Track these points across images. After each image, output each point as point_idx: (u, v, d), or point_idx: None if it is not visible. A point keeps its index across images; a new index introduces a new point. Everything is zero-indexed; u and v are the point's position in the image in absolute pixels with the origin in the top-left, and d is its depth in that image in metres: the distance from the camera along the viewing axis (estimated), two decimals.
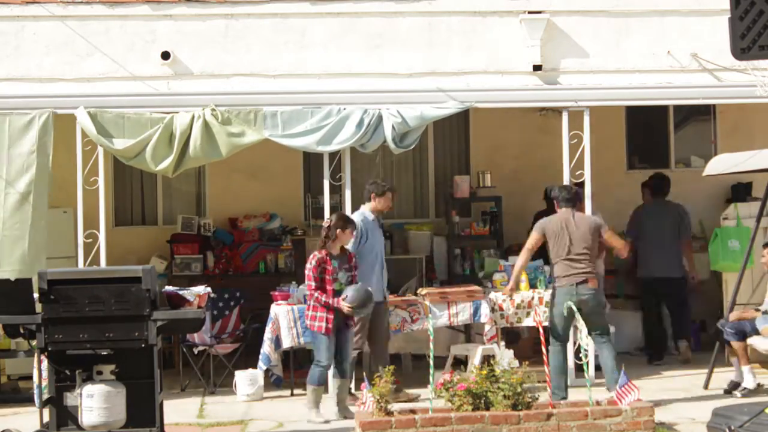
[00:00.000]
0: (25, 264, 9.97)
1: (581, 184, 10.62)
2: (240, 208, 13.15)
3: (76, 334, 7.42)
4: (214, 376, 10.78)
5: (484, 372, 8.03)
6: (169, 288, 8.20)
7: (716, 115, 13.60)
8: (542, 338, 9.47)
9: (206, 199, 13.37)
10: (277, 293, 10.74)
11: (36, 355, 8.66)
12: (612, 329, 11.56)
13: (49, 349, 7.47)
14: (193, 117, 10.24)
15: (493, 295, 10.71)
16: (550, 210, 12.29)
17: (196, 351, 10.97)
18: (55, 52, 10.79)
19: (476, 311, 10.52)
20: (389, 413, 7.89)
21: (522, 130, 13.28)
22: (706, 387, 10.23)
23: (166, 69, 10.85)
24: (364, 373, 8.99)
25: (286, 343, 10.43)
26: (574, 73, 11.06)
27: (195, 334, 10.74)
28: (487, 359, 10.30)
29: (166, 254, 12.85)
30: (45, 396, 7.70)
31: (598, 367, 10.55)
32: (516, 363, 9.71)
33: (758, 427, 6.66)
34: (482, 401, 7.88)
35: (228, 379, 10.69)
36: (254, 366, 10.51)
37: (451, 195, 13.08)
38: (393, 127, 10.36)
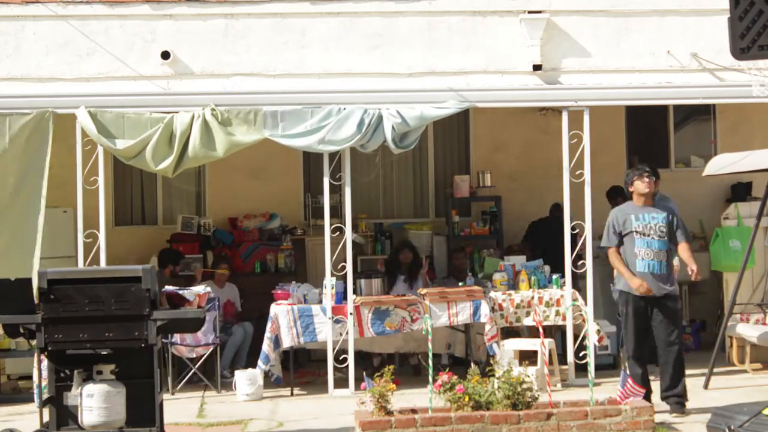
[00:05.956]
0: (21, 263, 9.95)
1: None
2: (240, 207, 13.16)
3: (76, 333, 7.41)
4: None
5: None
6: (169, 288, 8.22)
7: (716, 115, 13.61)
8: (542, 337, 9.49)
9: (206, 199, 13.37)
10: (277, 292, 10.75)
11: (36, 355, 8.68)
12: (613, 329, 11.62)
13: (49, 348, 7.47)
14: (192, 117, 10.24)
15: (492, 294, 10.72)
16: (550, 220, 12.21)
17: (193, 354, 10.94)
18: (55, 52, 10.79)
19: (476, 311, 10.52)
20: (389, 413, 7.90)
21: (522, 130, 13.29)
22: (706, 387, 10.23)
23: (166, 69, 10.85)
24: (365, 373, 9.00)
25: (286, 342, 10.44)
26: (574, 73, 11.06)
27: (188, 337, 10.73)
28: (488, 359, 10.33)
29: None
30: (45, 396, 7.70)
31: (598, 367, 10.58)
32: (516, 363, 9.72)
33: (758, 427, 6.65)
34: (482, 401, 7.89)
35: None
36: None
37: (451, 195, 13.10)
38: (393, 127, 10.35)
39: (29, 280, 7.88)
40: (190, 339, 10.86)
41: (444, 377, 8.05)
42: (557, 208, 12.22)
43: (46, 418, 7.62)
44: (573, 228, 10.53)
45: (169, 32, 10.90)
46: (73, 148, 10.24)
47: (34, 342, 7.71)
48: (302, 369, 11.59)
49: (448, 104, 10.56)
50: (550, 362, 10.24)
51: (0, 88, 10.62)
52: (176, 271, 12.08)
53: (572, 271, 10.54)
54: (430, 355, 8.42)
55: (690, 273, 8.87)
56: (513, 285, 10.93)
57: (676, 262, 9.28)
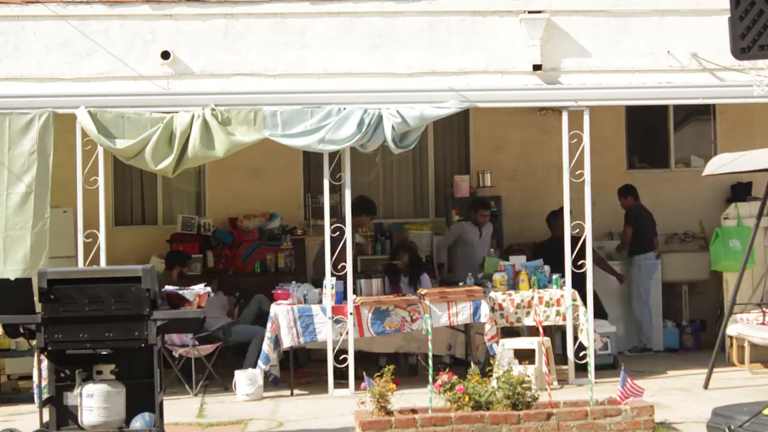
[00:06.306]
0: (28, 264, 9.96)
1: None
2: (240, 207, 13.16)
3: (75, 333, 7.41)
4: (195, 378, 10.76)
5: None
6: (169, 288, 8.19)
7: (716, 115, 13.61)
8: (542, 336, 9.50)
9: (206, 199, 13.37)
10: (277, 292, 10.74)
11: (36, 355, 8.67)
12: (613, 329, 11.63)
13: (49, 348, 7.47)
14: (192, 117, 10.23)
15: (492, 294, 10.72)
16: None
17: (176, 354, 10.83)
18: (55, 52, 10.79)
19: (476, 311, 10.52)
20: (389, 413, 7.89)
21: (522, 130, 13.29)
22: (706, 387, 10.24)
23: (166, 69, 10.84)
24: (364, 373, 9.00)
25: (286, 342, 10.43)
26: (574, 73, 11.06)
27: (174, 336, 10.67)
28: (488, 359, 10.32)
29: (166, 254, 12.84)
30: (45, 396, 7.70)
31: (598, 367, 10.59)
32: (516, 362, 9.73)
33: (758, 427, 6.65)
34: (482, 401, 7.89)
35: (209, 380, 10.82)
36: (232, 365, 10.61)
37: (451, 195, 13.09)
38: (393, 126, 10.35)
39: (29, 280, 7.88)
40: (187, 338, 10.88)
41: (444, 377, 8.05)
42: (555, 216, 12.07)
43: (46, 418, 7.62)
44: (573, 228, 10.54)
45: (169, 32, 10.89)
46: (73, 148, 10.24)
47: (34, 342, 7.71)
48: (302, 369, 11.58)
49: (448, 104, 10.56)
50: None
51: (0, 88, 10.62)
52: (184, 272, 11.98)
53: (573, 271, 10.54)
54: (430, 355, 8.42)
55: None
56: (513, 285, 10.92)
57: None
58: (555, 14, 11.03)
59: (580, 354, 10.29)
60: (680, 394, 10.06)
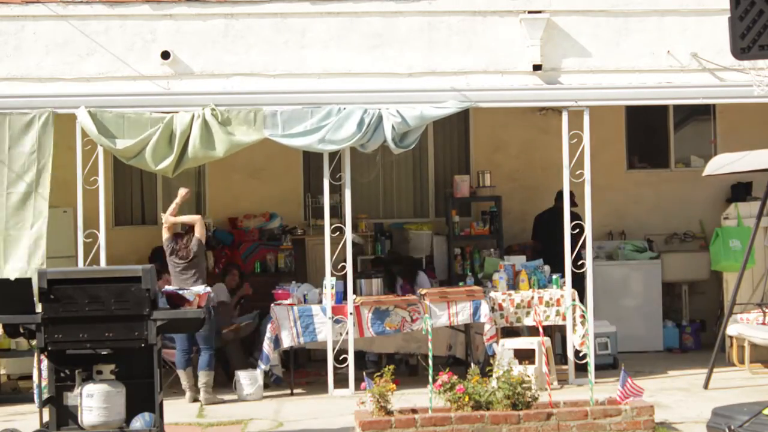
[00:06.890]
0: (26, 264, 9.96)
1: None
2: (240, 208, 13.15)
3: (76, 333, 7.42)
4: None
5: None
6: (169, 288, 8.20)
7: (716, 115, 13.61)
8: (542, 336, 9.50)
9: (206, 199, 13.36)
10: (277, 292, 10.75)
11: (36, 354, 8.68)
12: (613, 328, 11.63)
13: (49, 348, 7.47)
14: (192, 117, 10.24)
15: (492, 294, 10.72)
16: (555, 210, 12.03)
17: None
18: (55, 52, 10.79)
19: (476, 311, 10.52)
20: (389, 413, 7.89)
21: (522, 130, 13.28)
22: (706, 387, 10.24)
23: (166, 69, 10.85)
24: (364, 373, 9.00)
25: (286, 342, 10.44)
26: (574, 73, 11.06)
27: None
28: (488, 359, 10.33)
29: None
30: (45, 396, 7.70)
31: (598, 367, 10.59)
32: (516, 362, 9.73)
33: (758, 427, 6.65)
34: (482, 401, 7.89)
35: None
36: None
37: (451, 195, 13.09)
38: (393, 126, 10.36)
39: (29, 280, 7.88)
40: None
41: (444, 377, 8.05)
42: (562, 196, 12.04)
43: (46, 418, 7.62)
44: (573, 228, 10.54)
45: (169, 32, 10.90)
46: (73, 148, 10.24)
47: (34, 342, 7.71)
48: (302, 369, 11.59)
49: (448, 104, 10.56)
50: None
51: (0, 88, 10.62)
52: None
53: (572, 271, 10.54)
54: (430, 355, 8.42)
55: None
56: (513, 285, 10.93)
57: None
58: (555, 14, 11.03)
59: (580, 354, 10.29)
60: (680, 394, 10.06)
